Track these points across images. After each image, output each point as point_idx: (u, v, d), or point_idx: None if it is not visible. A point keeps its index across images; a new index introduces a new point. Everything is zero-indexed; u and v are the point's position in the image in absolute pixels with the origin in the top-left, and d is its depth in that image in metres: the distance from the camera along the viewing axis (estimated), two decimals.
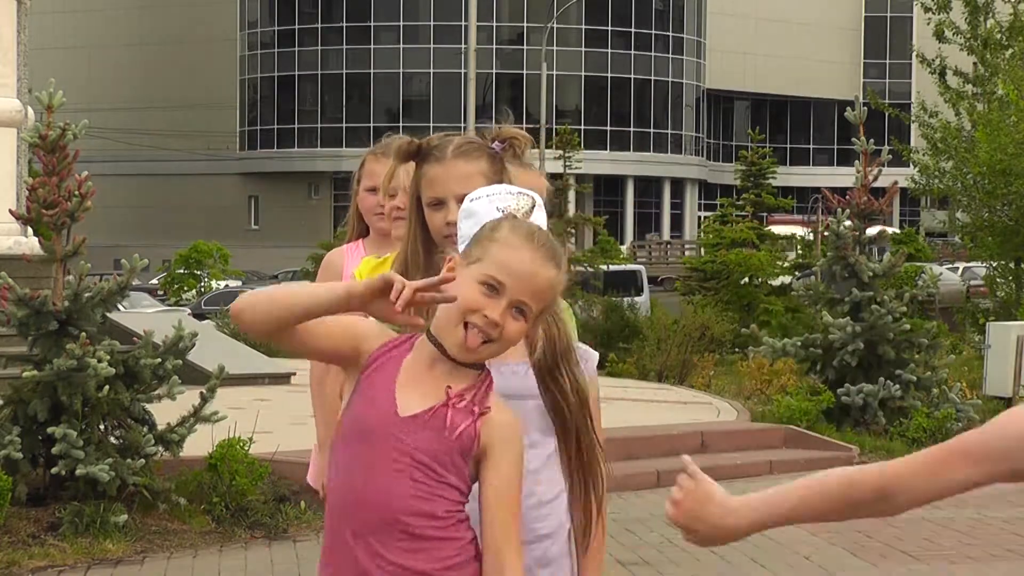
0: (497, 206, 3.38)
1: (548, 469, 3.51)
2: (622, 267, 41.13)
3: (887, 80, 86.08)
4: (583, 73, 77.21)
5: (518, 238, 3.18)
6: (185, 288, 46.15)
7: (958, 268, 44.05)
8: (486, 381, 3.17)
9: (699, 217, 76.77)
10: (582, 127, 69.30)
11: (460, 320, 3.10)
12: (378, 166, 5.31)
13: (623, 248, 62.17)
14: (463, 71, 60.29)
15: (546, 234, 3.24)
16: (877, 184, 16.07)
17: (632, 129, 78.58)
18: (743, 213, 37.83)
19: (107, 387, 10.03)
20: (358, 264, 5.00)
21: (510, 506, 3.12)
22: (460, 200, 3.71)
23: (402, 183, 4.89)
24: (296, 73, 78.33)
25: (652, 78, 79.05)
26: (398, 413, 3.10)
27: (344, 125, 76.12)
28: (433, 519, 3.08)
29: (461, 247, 3.34)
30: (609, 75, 77.78)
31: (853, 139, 16.39)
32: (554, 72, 71.16)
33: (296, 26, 78.17)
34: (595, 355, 3.69)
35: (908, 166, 32.64)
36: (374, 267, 4.47)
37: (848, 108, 16.57)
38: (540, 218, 3.42)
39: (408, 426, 3.09)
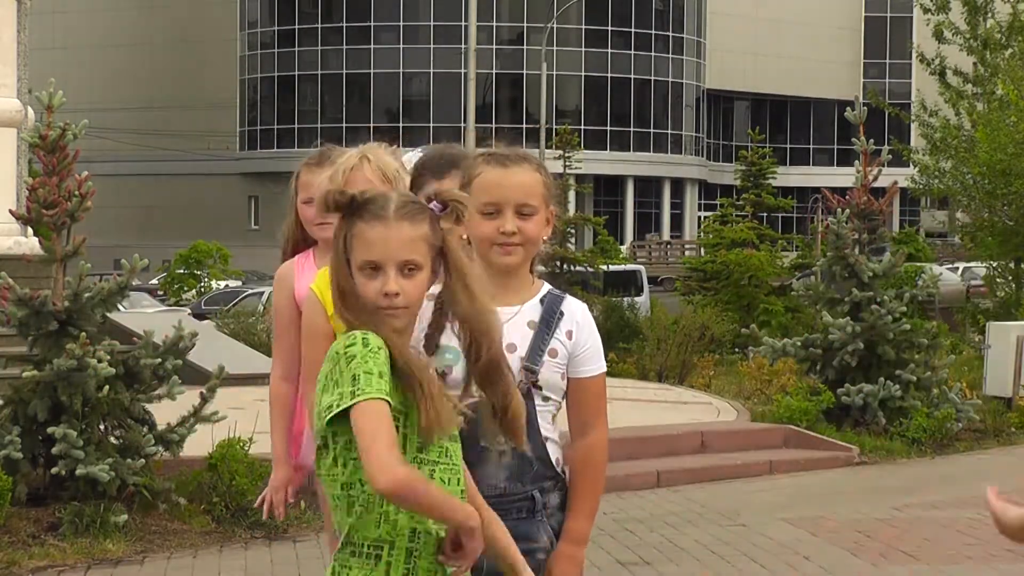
0: None
1: None
2: (622, 267, 41.09)
3: (887, 80, 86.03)
4: (583, 73, 77.17)
5: None
6: (185, 288, 46.12)
7: (958, 268, 44.01)
8: None
9: (699, 217, 76.75)
10: (582, 127, 69.25)
11: None
12: (313, 177, 5.25)
13: (623, 248, 62.20)
14: (463, 71, 60.26)
15: None
16: (877, 184, 16.07)
17: (632, 129, 78.55)
18: (743, 213, 37.85)
19: (107, 387, 10.03)
20: (312, 277, 4.93)
21: None
22: (400, 267, 3.38)
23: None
24: (296, 73, 78.30)
25: (652, 78, 79.01)
26: None
27: (344, 125, 76.04)
28: None
29: None
30: (609, 75, 77.74)
31: (853, 139, 16.38)
32: (554, 72, 71.12)
33: (296, 26, 78.14)
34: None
35: (908, 166, 32.66)
36: None
37: (848, 108, 16.56)
38: None
39: None
